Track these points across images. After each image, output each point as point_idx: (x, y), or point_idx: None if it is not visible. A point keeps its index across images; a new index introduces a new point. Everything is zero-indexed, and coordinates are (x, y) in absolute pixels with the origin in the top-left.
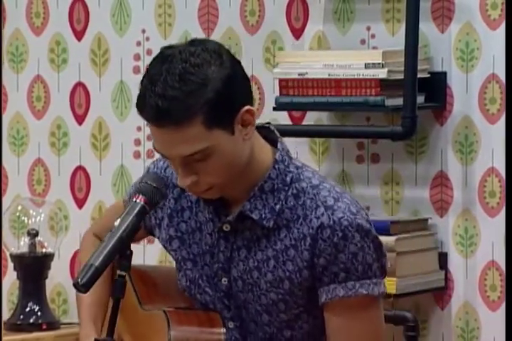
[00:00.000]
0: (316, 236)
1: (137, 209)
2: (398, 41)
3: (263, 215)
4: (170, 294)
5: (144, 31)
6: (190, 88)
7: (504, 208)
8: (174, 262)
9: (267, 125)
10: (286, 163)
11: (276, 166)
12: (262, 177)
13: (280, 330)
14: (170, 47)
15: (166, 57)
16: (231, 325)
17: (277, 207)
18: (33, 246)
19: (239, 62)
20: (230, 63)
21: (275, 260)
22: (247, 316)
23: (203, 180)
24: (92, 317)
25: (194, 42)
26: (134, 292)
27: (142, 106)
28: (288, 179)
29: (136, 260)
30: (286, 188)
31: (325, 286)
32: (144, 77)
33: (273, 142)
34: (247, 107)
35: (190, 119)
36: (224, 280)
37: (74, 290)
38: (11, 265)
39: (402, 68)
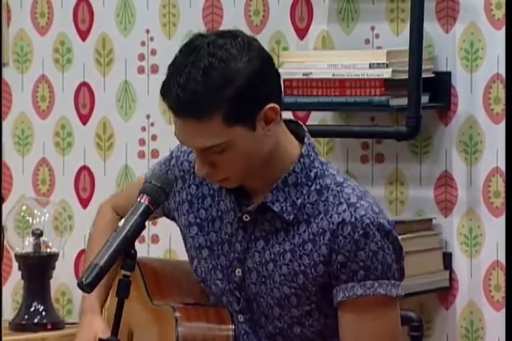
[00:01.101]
0: (336, 232)
1: (141, 209)
2: (402, 41)
3: (284, 208)
4: (181, 289)
5: (148, 31)
6: (213, 84)
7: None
8: (189, 255)
9: (296, 119)
10: (311, 158)
11: (302, 160)
12: (286, 170)
13: (290, 326)
14: (200, 35)
15: (194, 47)
16: (241, 318)
17: (299, 201)
18: (37, 246)
19: (269, 58)
20: (258, 59)
21: (291, 253)
22: (258, 309)
23: (219, 171)
24: (96, 294)
25: (225, 34)
26: (144, 286)
27: (165, 93)
28: (312, 174)
29: None
30: (310, 183)
31: (342, 284)
32: (170, 65)
33: (300, 137)
34: (271, 105)
35: (210, 115)
36: (238, 271)
37: (78, 290)
38: (15, 265)
39: (407, 68)
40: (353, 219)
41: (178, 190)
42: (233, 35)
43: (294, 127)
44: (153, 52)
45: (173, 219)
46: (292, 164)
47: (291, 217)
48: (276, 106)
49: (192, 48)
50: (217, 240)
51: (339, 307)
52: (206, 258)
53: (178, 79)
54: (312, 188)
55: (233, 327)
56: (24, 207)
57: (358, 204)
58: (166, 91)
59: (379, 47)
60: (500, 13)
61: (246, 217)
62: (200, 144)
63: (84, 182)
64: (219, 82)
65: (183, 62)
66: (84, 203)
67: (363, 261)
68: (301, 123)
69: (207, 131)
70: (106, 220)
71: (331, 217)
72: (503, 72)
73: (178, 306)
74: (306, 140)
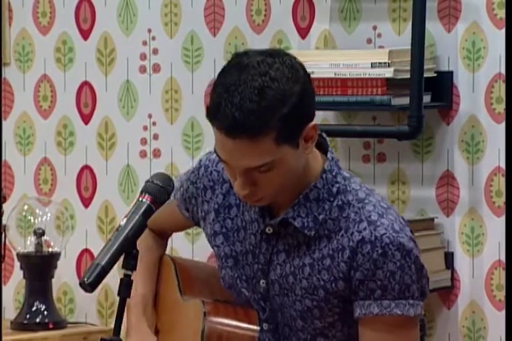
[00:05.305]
0: (355, 250)
1: (143, 208)
2: (404, 40)
3: (305, 224)
4: (213, 288)
5: (150, 30)
6: (268, 104)
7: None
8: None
9: (320, 132)
10: (334, 173)
11: (324, 176)
12: (307, 185)
13: (314, 337)
14: (245, 54)
15: (243, 66)
16: (265, 326)
17: (321, 216)
18: (39, 245)
19: (309, 75)
20: (303, 79)
21: (310, 268)
22: (282, 320)
23: (259, 190)
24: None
25: (270, 53)
26: (177, 284)
27: (216, 115)
28: (334, 189)
29: None
30: (332, 199)
31: (360, 300)
32: (216, 85)
33: (322, 149)
34: (313, 123)
35: (264, 134)
36: (262, 282)
37: (80, 290)
38: (17, 264)
39: (409, 67)
40: (372, 238)
41: (207, 200)
42: (278, 53)
43: (319, 140)
44: (155, 52)
45: (200, 226)
46: (314, 179)
47: (312, 232)
48: (317, 124)
49: (241, 67)
50: (241, 250)
51: (358, 322)
52: (232, 267)
53: (231, 99)
54: (334, 204)
55: (259, 328)
56: (26, 207)
57: (379, 223)
58: (216, 113)
59: (381, 47)
60: (502, 13)
61: (269, 230)
62: (249, 163)
63: (86, 181)
64: (273, 101)
65: (234, 81)
66: (86, 202)
67: (381, 280)
68: (325, 136)
69: (258, 150)
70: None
71: (351, 235)
72: (505, 71)
73: (207, 301)
74: (329, 155)
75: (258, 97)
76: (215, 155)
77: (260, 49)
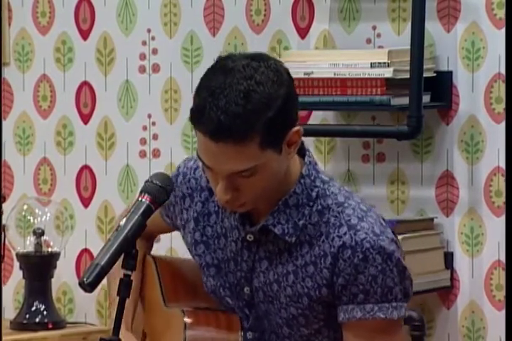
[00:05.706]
0: (337, 256)
1: (143, 208)
2: (404, 40)
3: (286, 230)
4: (196, 291)
5: (149, 30)
6: (254, 107)
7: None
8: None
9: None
10: (312, 178)
11: (302, 181)
12: (288, 191)
13: None
14: (228, 57)
15: (228, 69)
16: (249, 335)
17: (301, 222)
18: (38, 245)
19: (293, 80)
20: (287, 82)
21: (294, 275)
22: (269, 327)
23: (241, 196)
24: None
25: (255, 57)
26: (159, 287)
27: (201, 118)
28: (314, 194)
29: None
30: (311, 204)
31: (343, 305)
32: (201, 88)
33: (300, 152)
34: (296, 128)
35: (249, 138)
36: (246, 290)
37: (80, 290)
38: (16, 264)
39: (408, 67)
40: (353, 243)
41: (186, 208)
42: (263, 57)
43: None
44: (155, 52)
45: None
46: (294, 185)
47: (293, 239)
48: (301, 129)
49: (226, 71)
50: (223, 257)
51: (342, 327)
52: (214, 276)
53: (216, 102)
54: (314, 209)
55: (242, 333)
56: (25, 207)
57: (359, 227)
58: (201, 116)
59: (380, 47)
60: (502, 13)
61: (250, 237)
62: (232, 167)
63: (86, 181)
64: (259, 105)
65: (219, 85)
66: (86, 202)
67: (363, 284)
68: (302, 140)
69: (243, 154)
70: None
71: (332, 240)
72: (504, 71)
73: (188, 310)
74: (306, 159)
75: (244, 101)
76: (192, 162)
77: (244, 53)
